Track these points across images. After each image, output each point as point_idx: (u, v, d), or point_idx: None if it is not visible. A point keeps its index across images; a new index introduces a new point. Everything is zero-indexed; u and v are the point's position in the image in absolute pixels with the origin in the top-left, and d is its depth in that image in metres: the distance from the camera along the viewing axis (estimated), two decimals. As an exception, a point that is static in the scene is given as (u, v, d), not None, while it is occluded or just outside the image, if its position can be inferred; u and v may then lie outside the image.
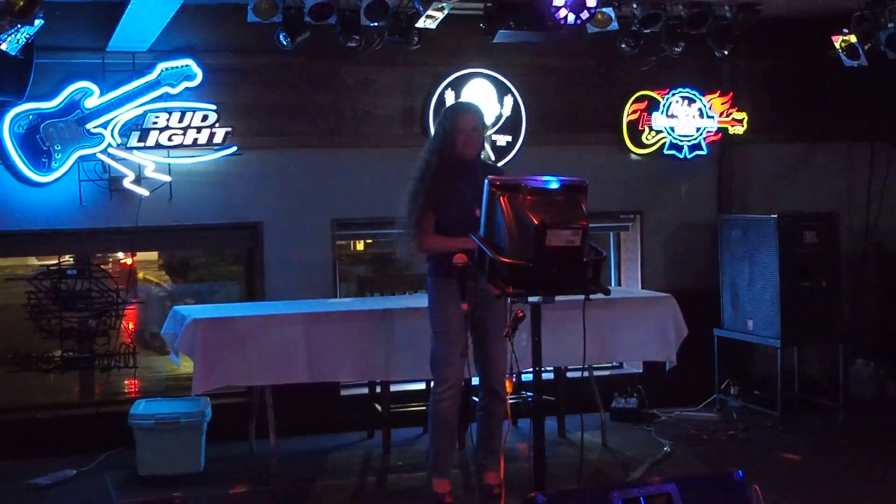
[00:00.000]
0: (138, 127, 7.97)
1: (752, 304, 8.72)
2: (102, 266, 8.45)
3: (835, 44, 8.15)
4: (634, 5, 7.90)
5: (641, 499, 3.94)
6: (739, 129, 9.39)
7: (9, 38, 6.19)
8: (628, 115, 9.20)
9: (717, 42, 8.21)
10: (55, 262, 8.13)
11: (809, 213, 8.76)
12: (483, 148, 6.57)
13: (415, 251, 6.43)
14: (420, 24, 7.66)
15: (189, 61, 8.04)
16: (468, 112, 6.45)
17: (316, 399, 8.18)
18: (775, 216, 8.46)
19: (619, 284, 9.55)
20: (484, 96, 8.74)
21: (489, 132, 8.73)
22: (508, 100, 8.91)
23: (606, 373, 9.20)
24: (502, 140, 8.89)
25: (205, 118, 8.09)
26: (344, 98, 8.66)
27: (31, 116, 7.77)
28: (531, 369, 5.22)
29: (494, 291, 5.06)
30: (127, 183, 7.98)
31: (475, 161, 6.40)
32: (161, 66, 7.98)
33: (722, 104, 9.35)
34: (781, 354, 8.46)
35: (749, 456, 7.69)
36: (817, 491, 6.83)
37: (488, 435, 6.48)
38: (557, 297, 5.12)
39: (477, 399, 6.60)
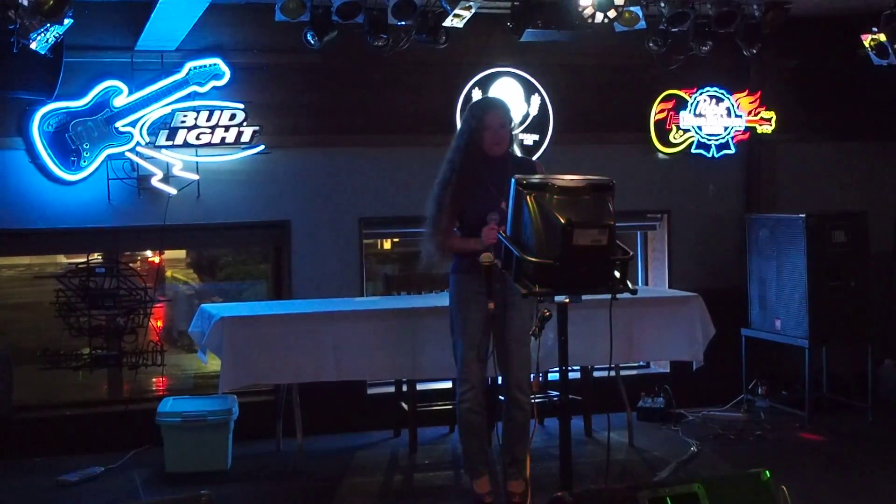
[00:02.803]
0: (166, 126, 8.01)
1: (780, 304, 8.69)
2: (130, 264, 8.47)
3: (864, 42, 8.10)
4: (662, 4, 7.87)
5: (668, 499, 3.92)
6: (767, 129, 9.35)
7: (38, 38, 6.22)
8: (656, 114, 9.18)
9: (746, 41, 8.18)
10: (84, 260, 8.17)
11: (838, 212, 8.73)
12: (511, 143, 6.49)
13: (433, 250, 6.38)
14: (447, 22, 7.66)
15: (217, 60, 8.06)
16: (494, 108, 6.34)
17: (343, 397, 8.20)
18: (803, 216, 8.43)
19: (647, 284, 9.53)
20: (511, 95, 8.73)
21: (516, 131, 8.72)
22: (536, 99, 8.91)
23: (633, 372, 9.20)
24: (529, 139, 8.89)
25: (232, 117, 8.12)
26: (371, 97, 8.67)
27: (60, 115, 7.82)
28: (558, 368, 5.21)
29: (521, 291, 5.05)
30: (155, 181, 8.02)
31: (503, 157, 6.34)
32: (189, 64, 8.01)
33: (750, 103, 9.32)
34: (809, 354, 8.43)
35: (777, 456, 7.66)
36: (846, 491, 6.80)
37: (509, 442, 6.34)
38: (584, 297, 5.11)
39: (503, 399, 6.56)
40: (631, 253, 5.29)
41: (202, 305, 7.80)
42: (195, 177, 8.14)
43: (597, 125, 9.14)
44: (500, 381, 6.56)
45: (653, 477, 7.06)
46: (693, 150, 9.25)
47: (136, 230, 8.22)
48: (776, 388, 9.14)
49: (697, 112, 9.21)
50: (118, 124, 7.90)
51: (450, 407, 8.26)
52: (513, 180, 5.15)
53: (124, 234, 8.25)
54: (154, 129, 7.99)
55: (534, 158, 8.69)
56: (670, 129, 9.20)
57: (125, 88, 7.93)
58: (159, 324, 8.98)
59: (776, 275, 8.71)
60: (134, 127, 7.93)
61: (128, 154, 7.97)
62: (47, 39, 6.31)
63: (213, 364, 7.60)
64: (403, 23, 7.60)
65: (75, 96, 7.85)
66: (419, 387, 8.05)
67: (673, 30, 8.05)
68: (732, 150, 9.32)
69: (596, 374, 8.25)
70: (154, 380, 8.85)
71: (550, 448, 7.05)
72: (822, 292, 8.39)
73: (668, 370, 9.11)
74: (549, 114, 8.94)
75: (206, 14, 7.42)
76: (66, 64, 7.26)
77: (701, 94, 9.23)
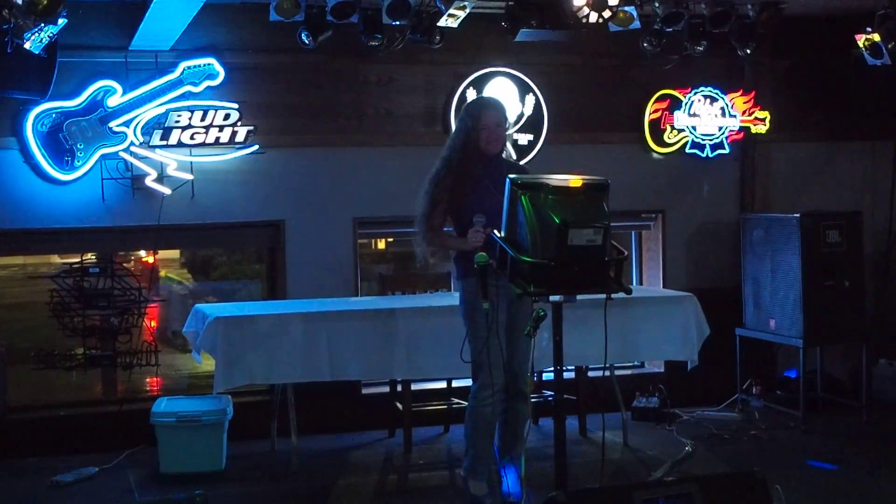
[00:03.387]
0: (161, 125, 7.99)
1: (774, 304, 8.69)
2: (125, 264, 8.47)
3: (858, 42, 8.11)
4: (657, 4, 7.88)
5: (662, 499, 3.93)
6: (762, 128, 9.35)
7: (32, 37, 6.22)
8: (650, 114, 9.18)
9: (740, 41, 8.19)
10: (78, 260, 8.17)
11: (832, 212, 8.72)
12: (505, 143, 6.51)
13: (423, 245, 6.39)
14: (442, 22, 7.67)
15: (211, 60, 8.05)
16: (491, 108, 6.40)
17: (337, 397, 8.20)
18: (798, 215, 8.43)
19: (641, 283, 9.53)
20: (506, 95, 8.72)
21: (511, 131, 8.72)
22: (530, 98, 8.90)
23: (628, 372, 9.18)
24: (524, 139, 8.88)
25: (227, 117, 8.11)
26: (366, 97, 8.66)
27: (54, 115, 7.80)
28: (552, 368, 5.21)
29: (516, 291, 5.05)
30: (149, 181, 8.01)
31: (498, 157, 6.38)
32: (183, 64, 8.00)
33: (744, 103, 9.32)
34: (804, 354, 8.42)
35: (771, 456, 7.67)
36: (839, 491, 6.80)
37: (513, 438, 6.37)
38: (579, 297, 5.11)
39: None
40: (626, 253, 5.30)
41: (196, 305, 7.80)
42: (189, 177, 8.13)
43: (591, 125, 9.14)
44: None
45: (647, 476, 7.06)
46: (687, 150, 9.25)
47: (130, 230, 8.20)
48: (770, 387, 9.15)
49: (692, 112, 9.21)
50: (112, 124, 7.88)
51: (444, 407, 8.28)
52: (508, 180, 5.15)
53: (118, 234, 8.23)
54: (148, 129, 7.98)
55: (528, 158, 8.74)
56: (665, 129, 9.20)
57: (119, 88, 7.92)
58: (153, 324, 8.97)
59: (770, 275, 8.72)
60: (128, 127, 7.91)
61: (122, 154, 7.96)
62: (41, 39, 6.30)
63: (207, 364, 7.59)
64: (398, 22, 7.60)
65: (69, 96, 7.83)
66: (414, 387, 8.04)
67: (667, 30, 8.06)
68: (727, 150, 9.33)
69: (590, 373, 8.25)
70: (148, 380, 8.84)
71: (545, 448, 7.04)
72: (816, 292, 8.38)
73: (663, 370, 9.11)
74: (544, 113, 8.93)
75: (201, 14, 7.41)
76: (60, 64, 7.26)
77: (695, 93, 9.23)
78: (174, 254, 10.91)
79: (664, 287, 9.22)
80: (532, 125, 8.92)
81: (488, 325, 5.89)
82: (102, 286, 8.10)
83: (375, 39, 7.60)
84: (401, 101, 8.72)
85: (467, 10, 7.54)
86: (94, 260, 8.26)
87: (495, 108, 6.43)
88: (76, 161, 7.84)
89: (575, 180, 5.14)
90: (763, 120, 9.34)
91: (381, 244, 10.97)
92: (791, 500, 4.48)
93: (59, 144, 7.81)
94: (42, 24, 6.15)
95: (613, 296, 5.14)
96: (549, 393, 8.02)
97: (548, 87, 8.96)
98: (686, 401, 8.86)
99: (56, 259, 9.10)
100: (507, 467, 6.44)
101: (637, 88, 9.19)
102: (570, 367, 7.94)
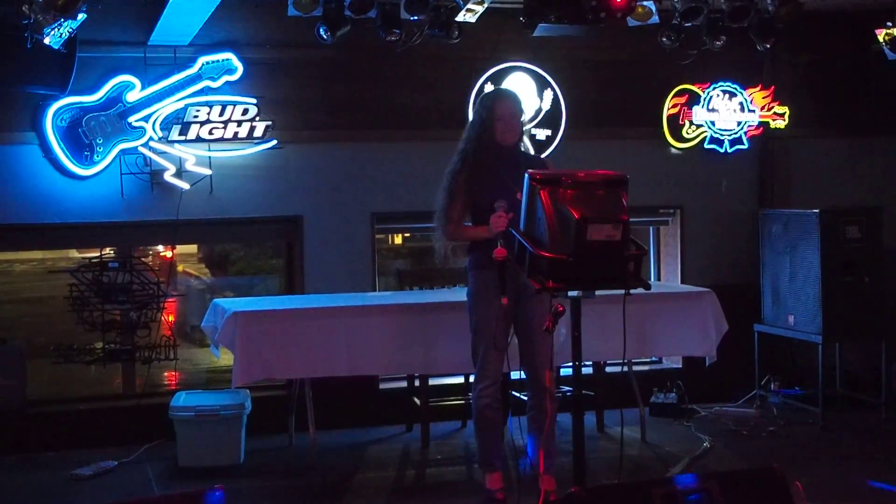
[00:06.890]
0: (179, 120, 8.01)
1: (793, 300, 8.67)
2: (143, 259, 8.49)
3: (878, 37, 8.09)
4: (675, -1, 7.87)
5: (681, 494, 3.91)
6: (781, 124, 9.33)
7: (52, 32, 6.24)
8: (668, 109, 9.16)
9: (759, 36, 8.16)
10: (97, 254, 8.20)
11: (852, 207, 8.69)
12: (522, 134, 6.49)
13: (442, 240, 6.39)
14: (460, 17, 7.66)
15: (230, 55, 8.07)
16: (505, 98, 6.40)
17: (355, 392, 8.20)
18: (817, 211, 8.40)
19: (659, 279, 9.52)
20: (524, 90, 8.71)
21: (529, 126, 8.71)
22: (548, 94, 8.90)
23: (646, 368, 9.18)
24: (542, 134, 8.87)
25: (245, 112, 8.12)
26: (383, 92, 8.66)
27: (73, 110, 7.82)
28: (571, 364, 5.20)
29: (534, 286, 5.04)
30: (168, 176, 8.03)
31: (515, 148, 6.37)
32: (202, 59, 8.02)
33: (763, 98, 9.30)
34: (823, 350, 8.40)
35: (790, 452, 7.65)
36: (858, 488, 6.78)
37: (541, 434, 6.27)
38: (597, 292, 5.10)
39: (517, 394, 6.53)
40: (645, 248, 5.28)
41: (215, 300, 7.82)
42: (208, 171, 8.14)
43: (609, 120, 9.13)
44: (512, 376, 6.52)
45: (665, 472, 7.05)
46: (706, 146, 9.23)
47: (148, 225, 8.23)
48: (789, 384, 9.12)
49: (710, 107, 9.19)
50: (131, 119, 7.90)
51: (462, 402, 8.28)
52: (526, 175, 5.14)
53: (137, 229, 8.26)
54: (167, 124, 8.00)
55: (547, 153, 8.72)
56: (683, 124, 9.18)
57: (138, 83, 7.94)
58: (172, 318, 9.00)
59: (789, 270, 8.69)
60: (147, 122, 7.93)
61: (141, 149, 7.98)
62: (61, 34, 6.33)
63: (225, 359, 7.61)
64: (416, 18, 7.60)
65: (88, 91, 7.86)
66: (431, 382, 8.05)
67: (686, 24, 8.03)
68: (745, 146, 9.31)
69: (608, 369, 8.23)
70: (167, 374, 8.87)
71: (563, 443, 7.03)
72: (835, 288, 8.36)
73: (681, 366, 9.10)
74: (562, 109, 8.92)
75: (219, 9, 7.42)
76: (80, 59, 7.30)
77: (714, 89, 9.21)
78: (192, 249, 10.93)
79: (682, 283, 9.20)
80: (550, 120, 8.91)
81: (507, 318, 5.89)
82: (121, 281, 8.13)
83: (393, 35, 7.60)
84: (419, 97, 8.72)
85: (485, 6, 7.54)
86: (113, 255, 8.29)
87: (509, 98, 6.44)
88: (95, 156, 7.86)
89: (593, 175, 5.13)
90: (782, 115, 9.31)
91: (399, 239, 10.98)
92: (809, 497, 4.45)
93: (79, 139, 7.83)
94: (61, 20, 6.17)
95: (632, 291, 5.13)
96: (567, 388, 8.01)
97: (566, 83, 8.95)
98: (704, 397, 8.85)
99: (75, 254, 9.13)
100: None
101: (655, 83, 9.18)
102: (588, 363, 7.93)
